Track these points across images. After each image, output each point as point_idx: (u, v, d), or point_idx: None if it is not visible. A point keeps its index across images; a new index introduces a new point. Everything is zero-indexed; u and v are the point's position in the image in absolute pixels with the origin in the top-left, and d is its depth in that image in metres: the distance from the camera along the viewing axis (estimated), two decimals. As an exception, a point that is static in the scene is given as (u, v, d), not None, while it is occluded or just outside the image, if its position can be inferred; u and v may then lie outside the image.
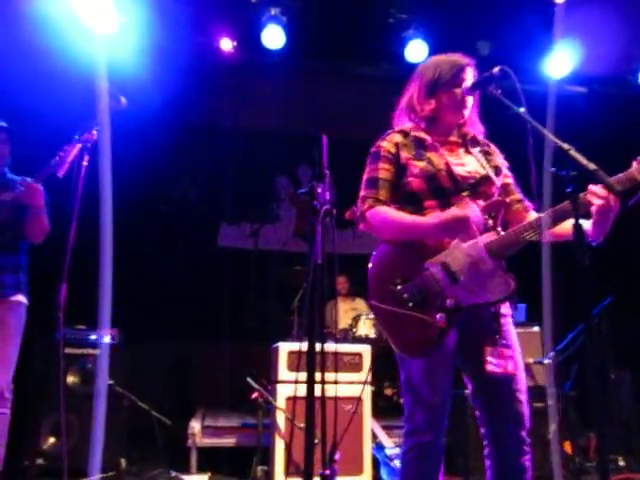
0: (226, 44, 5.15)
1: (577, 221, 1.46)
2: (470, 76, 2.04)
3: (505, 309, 1.95)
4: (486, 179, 1.99)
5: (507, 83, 1.87)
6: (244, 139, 6.57)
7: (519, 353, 1.90)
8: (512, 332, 1.95)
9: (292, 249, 6.95)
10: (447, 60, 2.09)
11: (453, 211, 1.86)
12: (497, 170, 2.05)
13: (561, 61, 5.24)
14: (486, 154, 2.08)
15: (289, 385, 3.52)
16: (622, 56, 5.36)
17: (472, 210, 1.87)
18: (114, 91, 2.50)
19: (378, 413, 4.41)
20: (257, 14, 4.99)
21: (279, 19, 4.95)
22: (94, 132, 2.66)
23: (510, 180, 2.10)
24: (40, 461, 3.49)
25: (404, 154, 2.03)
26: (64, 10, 4.44)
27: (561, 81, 5.39)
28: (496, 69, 1.85)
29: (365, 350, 3.77)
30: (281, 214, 7.10)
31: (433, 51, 4.93)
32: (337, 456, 1.55)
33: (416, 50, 5.11)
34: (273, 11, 4.95)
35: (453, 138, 2.10)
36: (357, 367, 3.70)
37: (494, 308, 1.88)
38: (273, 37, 4.97)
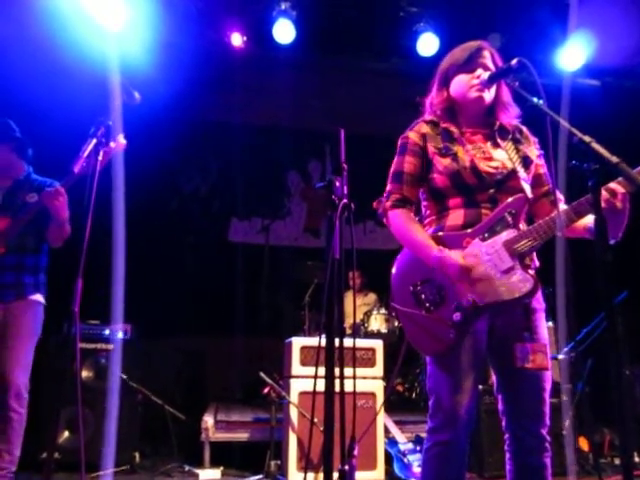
0: (236, 39, 5.13)
1: (599, 215, 1.43)
2: (487, 59, 1.99)
3: (537, 304, 1.91)
4: (513, 173, 1.92)
5: (524, 75, 1.84)
6: (254, 134, 6.56)
7: (548, 349, 1.86)
8: (543, 327, 1.92)
9: (303, 244, 6.95)
10: (460, 48, 2.06)
11: (455, 258, 1.81)
12: (527, 161, 1.98)
13: (574, 54, 5.17)
14: (517, 143, 2.01)
15: (302, 380, 3.53)
16: (636, 48, 5.28)
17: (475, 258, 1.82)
18: (127, 86, 2.48)
19: (389, 408, 4.41)
20: (267, 9, 4.97)
21: (289, 13, 4.93)
22: (121, 141, 2.60)
23: (542, 170, 2.02)
24: (55, 455, 3.51)
25: (431, 147, 1.99)
26: (74, 7, 4.45)
27: (574, 74, 5.34)
28: (514, 61, 1.80)
29: (378, 345, 3.77)
30: (292, 209, 7.10)
31: (444, 44, 4.88)
32: (356, 451, 1.54)
33: (427, 44, 5.05)
34: (283, 5, 4.93)
35: (481, 129, 2.03)
36: (370, 362, 3.69)
37: (525, 303, 1.84)
38: (283, 32, 4.95)
